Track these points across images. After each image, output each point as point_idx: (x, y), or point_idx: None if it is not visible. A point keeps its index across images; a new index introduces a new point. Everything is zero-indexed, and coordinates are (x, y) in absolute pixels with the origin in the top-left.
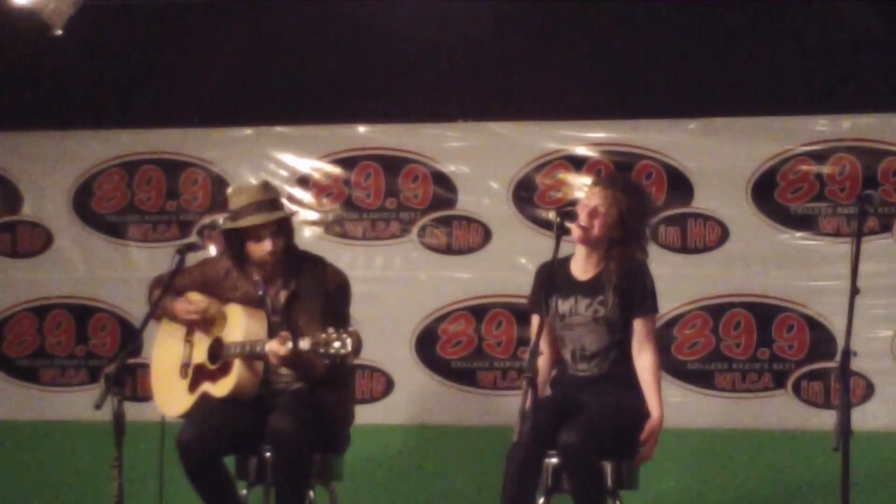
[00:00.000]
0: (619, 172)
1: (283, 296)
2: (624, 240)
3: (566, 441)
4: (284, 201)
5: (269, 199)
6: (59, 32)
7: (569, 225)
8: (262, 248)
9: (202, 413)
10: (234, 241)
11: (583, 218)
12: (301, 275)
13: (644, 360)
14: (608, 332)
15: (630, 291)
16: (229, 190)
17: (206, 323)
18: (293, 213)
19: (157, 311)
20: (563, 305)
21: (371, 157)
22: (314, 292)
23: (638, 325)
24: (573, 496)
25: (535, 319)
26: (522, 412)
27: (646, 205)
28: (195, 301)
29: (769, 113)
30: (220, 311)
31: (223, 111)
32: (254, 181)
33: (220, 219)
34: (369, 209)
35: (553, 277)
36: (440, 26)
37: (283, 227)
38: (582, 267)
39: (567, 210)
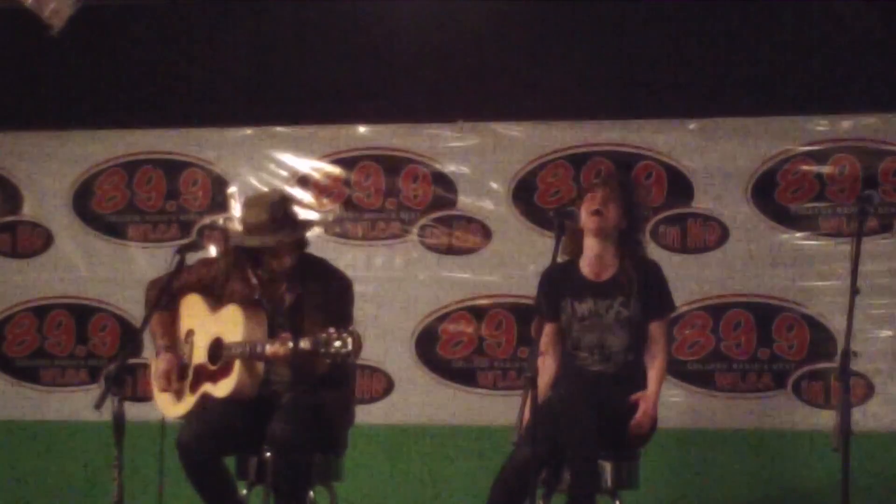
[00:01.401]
0: (616, 170)
1: (288, 299)
2: (630, 231)
3: (562, 440)
4: (298, 209)
5: (285, 213)
6: (59, 32)
7: (582, 218)
8: (282, 264)
9: (202, 413)
10: (244, 251)
11: (592, 206)
12: (305, 278)
13: (656, 363)
14: (629, 332)
15: (649, 293)
16: (242, 200)
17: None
18: (310, 226)
19: (150, 329)
20: (581, 307)
21: (371, 157)
22: (318, 296)
23: (654, 328)
24: (568, 496)
25: (548, 327)
26: (522, 413)
27: (644, 196)
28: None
29: (769, 113)
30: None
31: (223, 111)
32: (254, 181)
33: (221, 219)
34: (369, 209)
35: (562, 280)
36: (440, 26)
37: (300, 239)
38: (594, 268)
39: (567, 210)
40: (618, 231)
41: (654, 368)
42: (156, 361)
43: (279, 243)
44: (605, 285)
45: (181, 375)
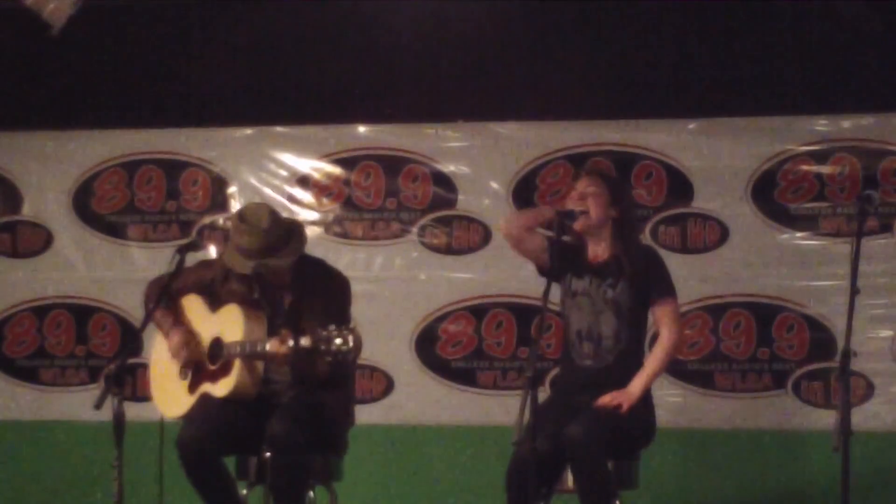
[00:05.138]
0: (598, 164)
1: (286, 300)
2: (622, 217)
3: (572, 436)
4: (293, 215)
5: (278, 238)
6: (59, 32)
7: (568, 223)
8: (281, 279)
9: (202, 413)
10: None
11: (576, 204)
12: (304, 279)
13: (660, 339)
14: (617, 315)
15: (644, 279)
16: (235, 215)
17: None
18: (303, 244)
19: (153, 322)
20: (577, 283)
21: (371, 157)
22: (317, 296)
23: (656, 312)
24: (579, 493)
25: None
26: (522, 412)
27: (627, 186)
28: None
29: (769, 113)
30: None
31: (223, 111)
32: (254, 181)
33: (221, 219)
34: (369, 209)
35: (568, 256)
36: (440, 26)
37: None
38: (594, 249)
39: (566, 210)
40: (609, 219)
41: (651, 353)
42: (162, 344)
43: (273, 265)
44: (600, 266)
45: (182, 375)
